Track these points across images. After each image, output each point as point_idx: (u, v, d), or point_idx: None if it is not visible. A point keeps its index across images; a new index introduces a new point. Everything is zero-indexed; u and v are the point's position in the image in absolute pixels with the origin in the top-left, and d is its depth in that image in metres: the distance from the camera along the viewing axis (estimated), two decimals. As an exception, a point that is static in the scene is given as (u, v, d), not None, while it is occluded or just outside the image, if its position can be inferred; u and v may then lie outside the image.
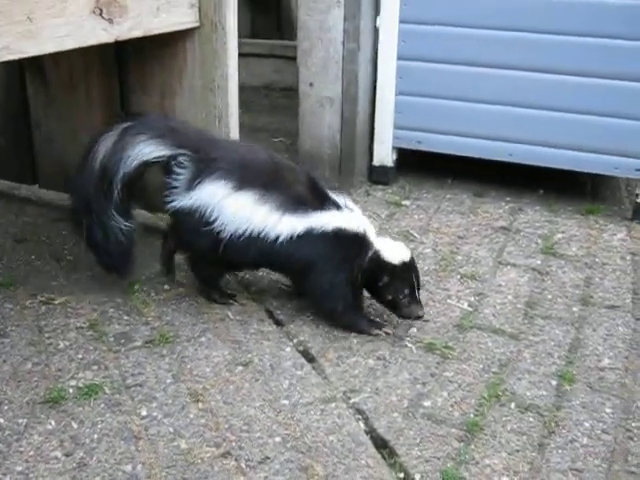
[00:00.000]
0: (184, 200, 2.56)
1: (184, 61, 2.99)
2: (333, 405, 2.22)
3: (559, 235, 3.47)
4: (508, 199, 3.89)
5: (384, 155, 4.05)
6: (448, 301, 2.85)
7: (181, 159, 2.59)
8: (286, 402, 2.23)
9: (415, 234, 3.43)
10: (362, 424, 2.15)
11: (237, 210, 2.51)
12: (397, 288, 2.54)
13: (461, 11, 3.68)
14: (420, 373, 2.39)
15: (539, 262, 3.18)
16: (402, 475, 1.96)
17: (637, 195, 3.68)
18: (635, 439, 2.11)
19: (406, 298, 2.54)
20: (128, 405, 2.20)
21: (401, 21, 3.80)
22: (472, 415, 2.18)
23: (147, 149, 2.58)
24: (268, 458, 1.99)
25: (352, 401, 2.24)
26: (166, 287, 2.89)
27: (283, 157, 4.41)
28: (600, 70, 3.51)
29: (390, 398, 2.26)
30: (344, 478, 1.93)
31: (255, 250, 2.55)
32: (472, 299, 2.85)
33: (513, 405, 2.23)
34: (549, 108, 3.66)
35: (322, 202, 2.58)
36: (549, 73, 3.61)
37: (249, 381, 2.33)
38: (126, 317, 2.68)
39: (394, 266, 2.53)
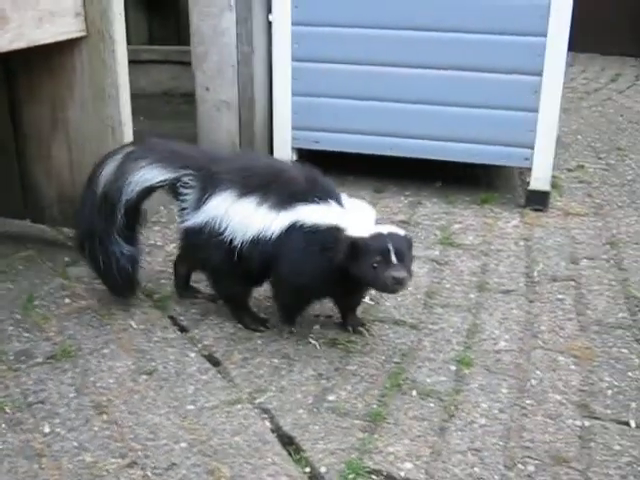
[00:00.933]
0: (194, 218, 2.54)
1: (73, 71, 2.96)
2: (239, 407, 2.23)
3: (456, 225, 3.58)
4: (407, 193, 3.99)
5: (284, 156, 4.07)
6: (350, 296, 2.90)
7: (186, 179, 2.57)
8: (192, 407, 2.23)
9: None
10: (268, 423, 2.17)
11: (242, 216, 2.47)
12: (367, 260, 2.31)
13: (346, 12, 3.76)
14: (324, 368, 2.43)
15: (437, 253, 3.28)
16: (308, 469, 1.99)
17: (528, 183, 3.83)
18: (529, 416, 2.20)
19: (380, 266, 2.29)
20: (30, 423, 2.16)
21: (293, 23, 3.85)
22: (375, 406, 2.23)
23: (149, 174, 2.58)
24: (175, 464, 1.99)
25: (257, 401, 2.26)
26: (67, 301, 2.85)
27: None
28: (482, 65, 3.65)
29: (295, 395, 2.29)
30: (251, 477, 1.94)
31: (258, 254, 2.47)
32: (374, 293, 2.91)
33: (414, 393, 2.30)
34: (438, 103, 3.79)
35: (311, 197, 2.44)
36: (436, 69, 3.75)
37: (154, 389, 2.32)
38: (26, 334, 2.62)
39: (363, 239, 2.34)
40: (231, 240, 2.48)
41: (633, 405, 2.26)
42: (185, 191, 2.58)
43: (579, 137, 5.46)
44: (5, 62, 3.03)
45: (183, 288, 2.91)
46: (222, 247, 2.50)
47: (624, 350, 2.56)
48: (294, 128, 4.02)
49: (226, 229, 2.48)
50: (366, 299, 2.87)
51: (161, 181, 2.59)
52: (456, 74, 3.73)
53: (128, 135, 3.03)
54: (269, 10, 3.85)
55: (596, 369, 2.45)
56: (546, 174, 3.77)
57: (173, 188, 2.61)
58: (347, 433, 2.11)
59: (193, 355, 2.51)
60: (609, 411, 2.23)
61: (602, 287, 3.01)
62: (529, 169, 3.79)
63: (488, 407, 2.23)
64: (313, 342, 2.59)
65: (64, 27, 2.75)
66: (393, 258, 2.28)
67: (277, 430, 2.14)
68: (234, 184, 2.50)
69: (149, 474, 1.96)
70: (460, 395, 2.29)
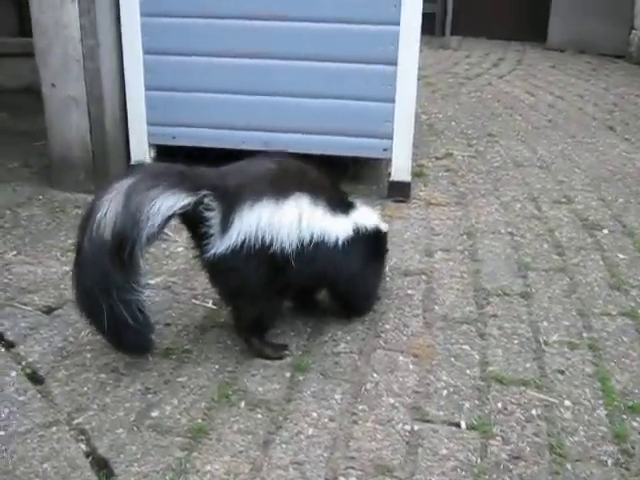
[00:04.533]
0: (226, 242, 2.23)
1: None
2: (54, 429, 2.09)
3: (314, 221, 3.49)
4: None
5: (141, 153, 3.92)
6: (193, 301, 2.79)
7: (207, 201, 2.21)
8: (2, 433, 2.07)
9: (170, 233, 3.33)
10: (83, 446, 2.04)
11: (291, 222, 2.28)
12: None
13: (197, 2, 3.62)
14: (153, 382, 2.30)
15: (291, 250, 3.18)
16: (118, 495, 1.87)
17: (389, 174, 3.78)
18: (359, 422, 2.13)
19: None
20: None
21: (142, 14, 3.69)
22: (200, 420, 2.12)
23: (168, 202, 2.15)
24: (-28, 499, 1.84)
25: (75, 422, 2.12)
26: None
27: (42, 162, 4.25)
28: (336, 55, 3.59)
29: (117, 413, 2.16)
30: (53, 509, 1.82)
31: (315, 260, 2.35)
32: (217, 296, 2.79)
33: (243, 404, 2.20)
34: (297, 95, 3.70)
35: (345, 197, 2.58)
36: (292, 60, 3.65)
37: (-36, 415, 2.15)
38: None
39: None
40: (280, 251, 2.27)
41: (466, 405, 2.22)
42: (208, 214, 2.23)
43: (453, 124, 5.48)
44: None
45: None
46: (266, 263, 2.28)
47: (466, 347, 2.53)
48: (150, 124, 3.86)
49: (274, 240, 2.26)
50: (209, 304, 2.76)
51: (183, 206, 2.18)
52: (312, 65, 3.65)
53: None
54: (115, 1, 3.66)
55: (435, 368, 2.40)
56: (406, 164, 3.73)
57: (194, 214, 2.22)
58: (165, 452, 2.00)
59: (14, 374, 2.34)
60: (441, 413, 2.18)
61: (453, 280, 2.98)
62: (389, 160, 3.74)
63: (318, 415, 2.15)
64: (146, 354, 2.46)
65: None
66: None
67: (92, 453, 2.01)
68: (264, 192, 2.26)
69: (-60, 513, 1.80)
70: (291, 404, 2.20)
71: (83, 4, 3.54)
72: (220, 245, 2.24)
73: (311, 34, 3.57)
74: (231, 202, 2.23)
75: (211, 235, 2.24)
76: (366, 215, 2.59)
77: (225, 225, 2.23)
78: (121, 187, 2.14)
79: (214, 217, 2.23)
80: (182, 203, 2.17)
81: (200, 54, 3.73)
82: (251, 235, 2.23)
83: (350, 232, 2.46)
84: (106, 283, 2.12)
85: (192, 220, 2.26)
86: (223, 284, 2.43)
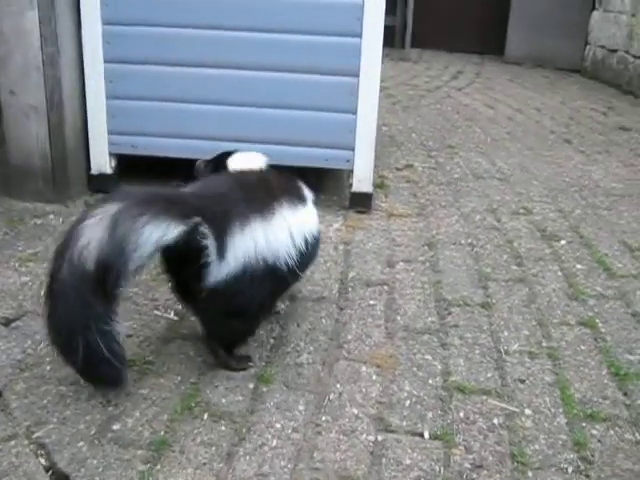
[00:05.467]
0: (225, 268, 2.16)
1: None
2: (12, 443, 2.05)
3: (277, 231, 3.49)
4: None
5: (102, 163, 3.89)
6: (155, 312, 2.76)
7: (201, 229, 2.10)
8: (-41, 448, 2.03)
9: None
10: (43, 460, 2.00)
11: (285, 236, 2.31)
12: None
13: (158, 11, 3.61)
14: (114, 394, 2.28)
15: (253, 261, 3.18)
16: (80, 510, 1.84)
17: (351, 185, 3.80)
18: (323, 433, 2.13)
19: None
20: None
21: (104, 22, 3.66)
22: (162, 433, 2.10)
23: (158, 231, 2.00)
24: None
25: (35, 436, 2.09)
26: None
27: (0, 170, 4.17)
28: (299, 66, 3.59)
29: (78, 426, 2.13)
30: (12, 525, 1.78)
31: (314, 254, 2.60)
32: (179, 307, 2.78)
33: (206, 416, 2.18)
34: (256, 105, 3.69)
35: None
36: (254, 70, 3.64)
37: None
38: None
39: None
40: (283, 265, 2.29)
41: (429, 415, 2.23)
42: (204, 242, 2.12)
43: (413, 135, 5.52)
44: None
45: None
46: (269, 279, 2.28)
47: (428, 356, 2.55)
48: (111, 133, 3.83)
49: (275, 258, 2.26)
50: (170, 314, 2.74)
51: (176, 236, 2.04)
52: (275, 75, 3.65)
53: None
54: (76, 9, 3.63)
55: (397, 378, 2.41)
56: (368, 175, 3.75)
57: (188, 242, 2.08)
58: (127, 466, 1.97)
59: (-29, 388, 2.30)
60: (404, 423, 2.19)
61: (414, 291, 3.00)
62: (351, 171, 3.76)
63: (281, 427, 2.15)
64: (106, 365, 2.43)
65: None
66: None
67: (52, 467, 1.98)
68: (247, 212, 2.21)
69: None
70: (254, 415, 2.20)
71: (43, 11, 3.49)
72: (219, 272, 2.16)
73: (274, 45, 3.58)
74: (222, 227, 2.16)
75: (208, 263, 2.15)
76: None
77: (221, 252, 2.15)
78: (105, 213, 1.99)
79: (210, 244, 2.13)
80: (174, 233, 2.04)
81: (161, 63, 3.70)
82: (251, 258, 2.20)
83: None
84: (86, 315, 1.99)
85: (183, 249, 2.10)
86: (223, 307, 2.28)
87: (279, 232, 2.29)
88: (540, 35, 9.56)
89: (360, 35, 3.52)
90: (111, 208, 2.00)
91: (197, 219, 2.10)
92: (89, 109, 3.80)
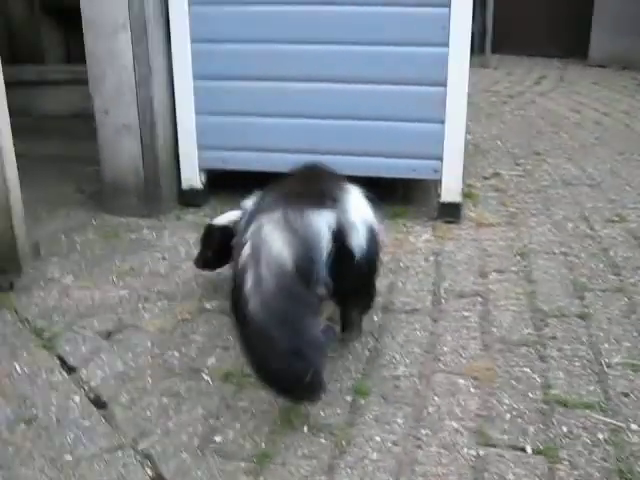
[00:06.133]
0: (359, 234, 2.30)
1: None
2: (119, 454, 2.10)
3: (366, 243, 3.49)
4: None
5: (192, 178, 3.97)
6: (250, 325, 2.79)
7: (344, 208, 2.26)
8: (69, 457, 2.09)
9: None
10: (149, 470, 2.05)
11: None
12: None
13: (246, 27, 3.66)
14: (215, 406, 2.31)
15: (344, 273, 3.19)
16: (187, 521, 1.88)
17: (439, 195, 3.77)
18: (423, 447, 2.11)
19: None
20: None
21: (193, 40, 3.74)
22: (264, 445, 2.12)
23: (326, 220, 2.14)
24: (43, 524, 1.86)
25: (140, 447, 2.14)
26: (-51, 345, 2.69)
27: (94, 187, 4.32)
28: (386, 77, 3.59)
29: (181, 438, 2.17)
30: (123, 535, 1.83)
31: None
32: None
33: (306, 428, 2.20)
34: (346, 117, 3.71)
35: None
36: (341, 83, 3.66)
37: (31, 439, 2.17)
38: None
39: None
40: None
41: (531, 429, 2.19)
42: (350, 219, 2.29)
43: (498, 143, 5.45)
44: None
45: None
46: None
47: (526, 369, 2.50)
48: (200, 148, 3.91)
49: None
50: (265, 327, 2.76)
51: (335, 223, 2.19)
52: (362, 87, 3.66)
53: (9, 162, 2.88)
54: (166, 28, 3.73)
55: (496, 391, 2.38)
56: (457, 185, 3.72)
57: (340, 228, 2.21)
58: (231, 477, 2.00)
59: (77, 399, 2.37)
60: (505, 437, 2.16)
61: (509, 302, 2.95)
62: (439, 181, 3.73)
63: (381, 440, 2.14)
64: (206, 378, 2.47)
65: None
66: None
67: (157, 478, 2.02)
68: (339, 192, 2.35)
69: (13, 538, 1.82)
70: (353, 428, 2.20)
71: (135, 33, 3.60)
72: (359, 239, 2.28)
73: (360, 56, 3.59)
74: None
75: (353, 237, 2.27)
76: None
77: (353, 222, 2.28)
78: (271, 221, 2.06)
79: (351, 219, 2.28)
80: (333, 221, 2.17)
81: (249, 79, 3.76)
82: (366, 221, 2.33)
83: None
84: (302, 323, 2.03)
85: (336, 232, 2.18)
86: (367, 271, 2.44)
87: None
88: (626, 36, 9.31)
89: (447, 44, 3.49)
90: (272, 215, 2.08)
91: (339, 205, 2.24)
92: (179, 126, 3.89)
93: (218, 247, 2.90)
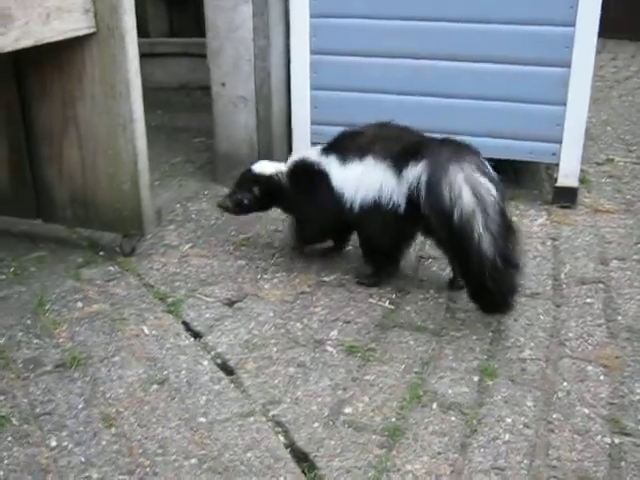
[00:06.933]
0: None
1: (83, 67, 2.87)
2: (252, 419, 2.14)
3: (480, 224, 3.44)
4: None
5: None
6: (369, 300, 2.80)
7: None
8: (203, 420, 2.15)
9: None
10: (282, 437, 2.08)
11: None
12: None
13: (367, 2, 3.63)
14: (341, 378, 2.33)
15: (461, 253, 3.16)
16: (323, 488, 1.90)
17: (556, 179, 3.69)
18: (556, 431, 2.09)
19: None
20: (37, 436, 2.09)
21: (311, 15, 3.74)
22: (394, 419, 2.13)
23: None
24: (183, 482, 1.91)
25: (271, 414, 2.17)
26: (79, 305, 2.78)
27: (202, 158, 4.39)
28: (507, 56, 3.52)
29: (310, 407, 2.19)
30: (262, 497, 1.86)
31: None
32: (394, 296, 2.81)
33: (435, 405, 2.19)
34: (460, 96, 3.65)
35: None
36: (457, 61, 3.61)
37: (164, 400, 2.24)
38: (36, 340, 2.56)
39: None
40: None
41: (667, 420, 2.14)
42: None
43: (608, 128, 5.29)
44: (15, 60, 2.95)
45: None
46: None
47: (657, 359, 2.44)
48: (313, 123, 3.91)
49: None
50: (385, 303, 2.77)
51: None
52: (482, 67, 3.59)
53: (140, 134, 2.94)
54: (285, 2, 3.73)
55: (627, 380, 2.32)
56: (574, 170, 3.63)
57: None
58: (364, 449, 2.02)
59: (206, 363, 2.42)
60: (641, 426, 2.11)
61: (633, 290, 2.88)
62: (557, 165, 3.65)
63: (512, 421, 2.12)
64: (330, 349, 2.49)
65: (73, 24, 2.66)
66: None
67: (291, 445, 2.05)
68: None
69: (156, 493, 1.88)
70: (483, 408, 2.18)
71: (257, 5, 3.61)
72: None
73: (482, 36, 3.52)
74: None
75: None
76: None
77: None
78: (468, 167, 2.51)
79: None
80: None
81: (366, 54, 3.74)
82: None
83: None
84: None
85: None
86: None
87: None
88: None
89: (573, 24, 3.40)
90: (463, 164, 2.52)
91: None
92: (293, 100, 3.90)
93: (261, 195, 3.01)
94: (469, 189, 2.45)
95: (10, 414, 2.17)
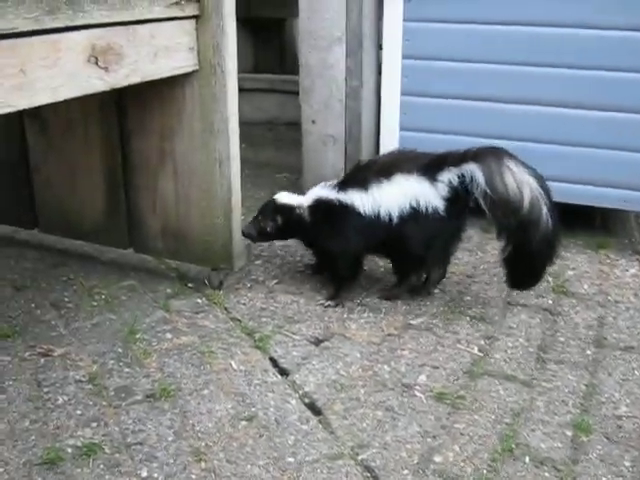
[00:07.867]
0: None
1: (183, 104, 2.95)
2: (341, 462, 2.13)
3: (570, 272, 3.39)
4: (516, 235, 3.81)
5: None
6: (458, 345, 2.77)
7: None
8: (292, 460, 2.14)
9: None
10: (371, 483, 2.07)
11: None
12: None
13: (461, 46, 3.64)
14: (430, 425, 2.30)
15: (550, 302, 3.10)
16: (413, 539, 1.87)
17: (648, 229, 3.61)
18: (657, 495, 2.02)
19: None
20: (128, 465, 2.12)
21: (404, 57, 3.76)
22: (485, 471, 2.09)
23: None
24: (273, 523, 1.91)
25: (360, 457, 2.16)
26: (168, 336, 2.82)
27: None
28: (605, 103, 3.46)
29: (400, 453, 2.17)
30: None
31: None
32: (482, 343, 2.77)
33: (527, 459, 2.14)
34: (556, 142, 3.60)
35: None
36: (554, 107, 3.57)
37: (253, 437, 2.24)
38: (127, 369, 2.60)
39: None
40: None
41: None
42: None
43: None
44: (118, 94, 3.05)
45: None
46: None
47: None
48: (400, 163, 3.91)
49: None
50: (474, 349, 2.73)
51: None
52: (579, 112, 3.54)
53: (235, 169, 3.00)
54: (379, 43, 3.77)
55: None
56: (669, 219, 3.55)
57: None
58: (456, 501, 1.98)
59: (294, 402, 2.42)
60: None
61: None
62: (650, 214, 3.58)
63: (610, 482, 2.06)
64: (419, 395, 2.46)
65: (178, 62, 2.74)
66: None
67: (381, 492, 2.03)
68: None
69: (247, 532, 1.87)
70: (578, 465, 2.12)
71: (350, 46, 3.67)
72: None
73: (583, 82, 3.47)
74: None
75: None
76: None
77: None
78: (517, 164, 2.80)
79: None
80: None
81: (456, 97, 3.74)
82: None
83: None
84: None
85: None
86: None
87: None
88: None
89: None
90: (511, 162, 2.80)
91: None
92: (382, 139, 3.91)
93: (283, 225, 3.10)
94: (529, 176, 2.76)
95: (102, 442, 2.21)
